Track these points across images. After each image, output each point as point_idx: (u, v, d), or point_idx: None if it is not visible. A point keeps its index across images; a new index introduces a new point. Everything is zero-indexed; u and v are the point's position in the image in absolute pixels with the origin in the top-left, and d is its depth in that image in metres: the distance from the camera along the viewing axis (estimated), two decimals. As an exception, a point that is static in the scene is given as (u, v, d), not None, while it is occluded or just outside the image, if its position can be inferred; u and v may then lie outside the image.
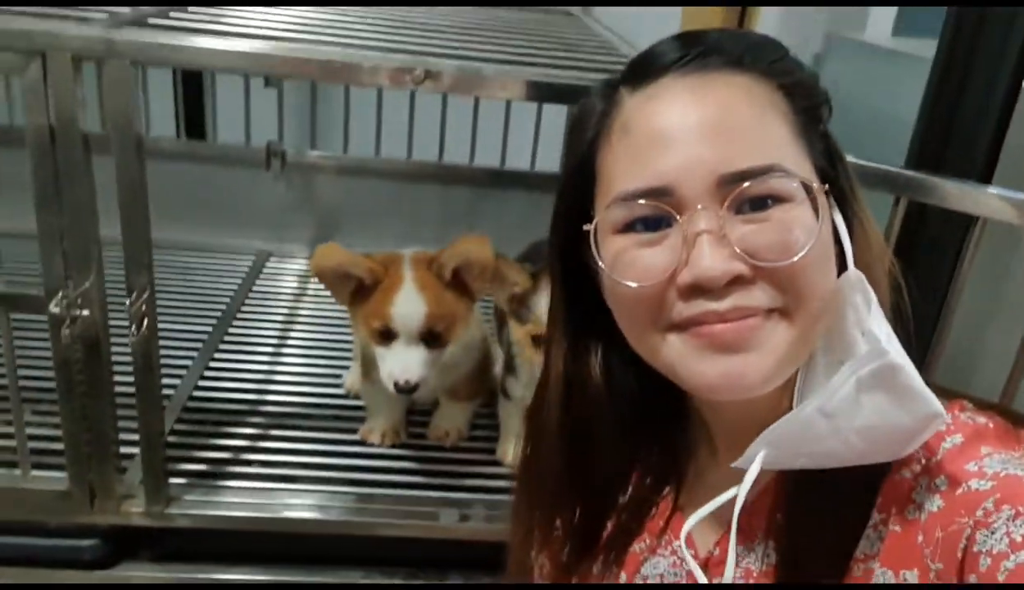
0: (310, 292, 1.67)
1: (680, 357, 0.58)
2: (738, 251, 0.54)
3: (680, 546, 0.64)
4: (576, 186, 0.63)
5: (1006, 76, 0.90)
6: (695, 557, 0.66)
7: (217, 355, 1.38)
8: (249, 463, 1.11)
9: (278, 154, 1.75)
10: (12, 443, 0.96)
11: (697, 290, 0.55)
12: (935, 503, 0.55)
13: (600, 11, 1.62)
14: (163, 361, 1.18)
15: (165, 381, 1.16)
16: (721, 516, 0.65)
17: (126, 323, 0.88)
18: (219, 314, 1.52)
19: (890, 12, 1.80)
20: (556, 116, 1.78)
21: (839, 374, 0.54)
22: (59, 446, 0.96)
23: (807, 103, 0.59)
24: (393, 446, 1.18)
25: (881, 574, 0.57)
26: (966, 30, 0.91)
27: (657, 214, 0.56)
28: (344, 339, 1.47)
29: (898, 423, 0.54)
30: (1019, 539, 0.48)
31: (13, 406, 0.92)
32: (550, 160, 1.81)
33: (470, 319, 1.08)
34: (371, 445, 1.17)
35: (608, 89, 0.62)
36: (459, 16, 1.36)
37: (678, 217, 0.56)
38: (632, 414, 0.70)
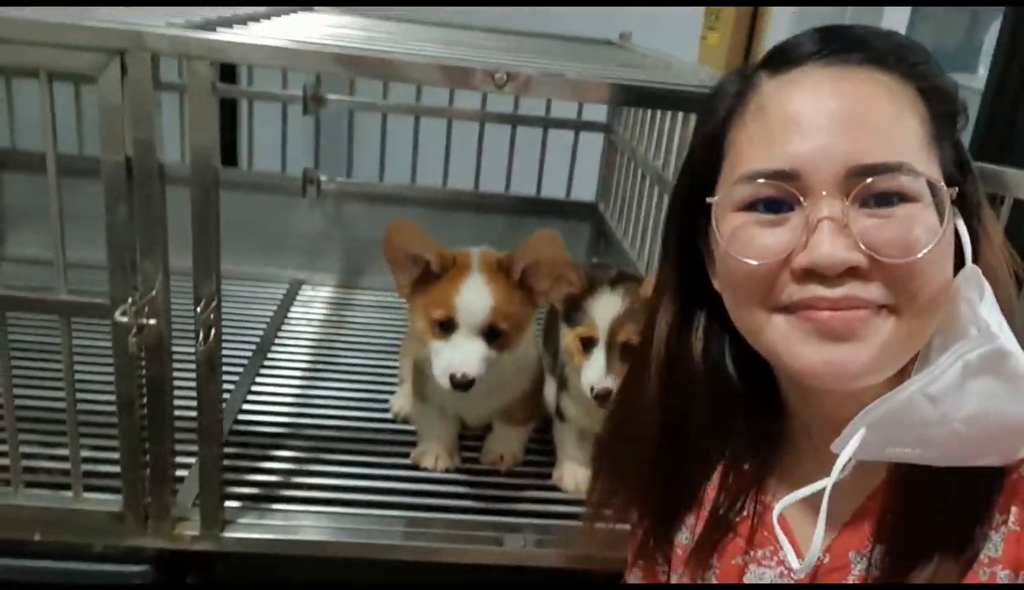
0: (347, 319, 1.65)
1: (784, 339, 0.58)
2: (859, 243, 0.54)
3: (777, 533, 0.61)
4: (702, 161, 0.64)
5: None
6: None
7: (258, 381, 1.35)
8: (300, 487, 1.07)
9: (314, 181, 1.74)
10: (61, 465, 0.94)
11: (812, 275, 0.55)
12: None
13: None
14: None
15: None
16: (831, 521, 0.62)
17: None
18: (256, 341, 1.49)
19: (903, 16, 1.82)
20: (590, 146, 1.79)
21: (945, 355, 0.53)
22: (110, 468, 0.93)
23: (944, 109, 0.59)
24: (447, 471, 1.14)
25: (1004, 577, 0.55)
26: None
27: (781, 196, 0.57)
28: (385, 364, 1.44)
29: (1008, 412, 0.53)
30: None
31: (69, 423, 0.89)
32: (585, 189, 1.81)
33: (530, 327, 1.05)
34: (424, 469, 1.14)
35: (746, 73, 0.63)
36: (505, 41, 1.37)
37: (803, 201, 0.56)
38: (727, 398, 0.69)
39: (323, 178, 1.75)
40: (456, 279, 0.97)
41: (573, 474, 1.13)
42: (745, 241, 0.58)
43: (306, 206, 1.76)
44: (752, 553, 0.68)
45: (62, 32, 0.75)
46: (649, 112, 1.47)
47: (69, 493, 0.93)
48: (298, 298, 1.73)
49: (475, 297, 0.96)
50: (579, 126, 1.75)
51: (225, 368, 1.33)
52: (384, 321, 1.64)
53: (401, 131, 1.75)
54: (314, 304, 1.71)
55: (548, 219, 1.78)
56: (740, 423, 0.70)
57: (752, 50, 2.45)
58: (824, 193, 0.55)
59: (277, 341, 1.51)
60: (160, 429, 0.89)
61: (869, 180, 0.54)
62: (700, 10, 2.45)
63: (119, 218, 0.79)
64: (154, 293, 0.83)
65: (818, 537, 0.57)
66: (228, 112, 1.82)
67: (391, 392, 1.33)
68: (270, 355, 1.45)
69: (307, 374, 1.40)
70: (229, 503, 0.99)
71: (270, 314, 1.61)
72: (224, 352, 1.37)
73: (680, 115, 1.24)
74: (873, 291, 0.55)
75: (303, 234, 1.79)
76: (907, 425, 0.54)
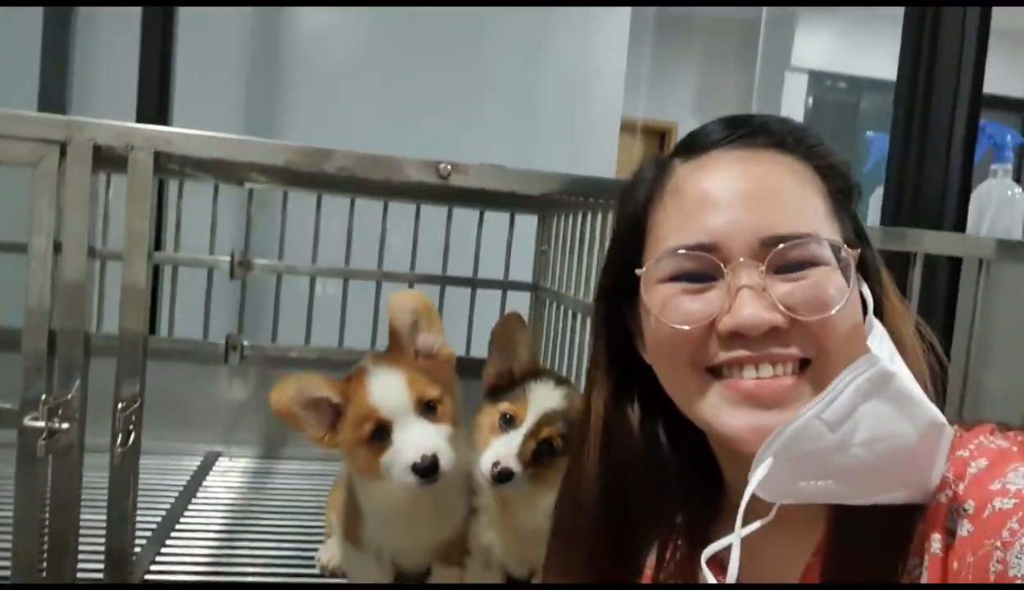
0: (267, 485, 1.54)
1: (715, 407, 0.61)
2: (777, 304, 0.59)
3: (704, 571, 0.61)
4: (626, 242, 0.69)
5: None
6: None
7: (168, 544, 1.22)
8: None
9: (237, 347, 1.69)
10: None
11: (737, 337, 0.60)
12: (964, 528, 0.55)
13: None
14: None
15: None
16: (779, 581, 0.65)
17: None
18: (167, 507, 1.36)
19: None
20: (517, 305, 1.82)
21: (833, 382, 0.56)
22: None
23: (840, 185, 0.66)
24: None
25: None
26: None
27: (702, 269, 0.62)
28: (309, 524, 1.33)
29: (902, 433, 0.56)
30: None
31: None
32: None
33: (456, 390, 1.01)
34: (357, 620, 1.03)
35: (659, 162, 0.69)
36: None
37: (724, 270, 0.60)
38: (663, 471, 0.70)
39: (246, 343, 1.70)
40: (361, 388, 0.93)
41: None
42: (673, 309, 0.62)
43: (227, 373, 1.70)
44: None
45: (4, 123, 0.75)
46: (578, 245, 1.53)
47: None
48: (215, 468, 1.61)
49: (388, 385, 0.93)
50: (506, 286, 1.79)
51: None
52: (307, 486, 1.54)
53: (328, 293, 1.76)
54: (231, 474, 1.60)
55: (477, 380, 1.76)
56: (676, 496, 0.72)
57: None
58: (742, 260, 0.59)
59: (189, 509, 1.39)
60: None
61: (781, 247, 0.59)
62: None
63: (39, 305, 0.75)
64: (70, 396, 0.76)
65: (732, 570, 0.57)
66: (151, 280, 1.79)
67: (315, 549, 1.22)
68: (181, 521, 1.32)
69: (223, 537, 1.28)
70: (132, 658, 0.86)
71: (182, 485, 1.49)
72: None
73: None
74: (792, 348, 0.60)
75: (223, 403, 1.70)
76: (811, 453, 0.56)
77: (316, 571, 1.16)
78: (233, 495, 1.47)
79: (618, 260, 0.70)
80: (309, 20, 2.59)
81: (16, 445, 0.76)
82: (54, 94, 2.30)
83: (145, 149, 0.76)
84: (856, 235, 0.66)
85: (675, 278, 0.63)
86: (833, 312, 0.59)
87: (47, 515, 0.79)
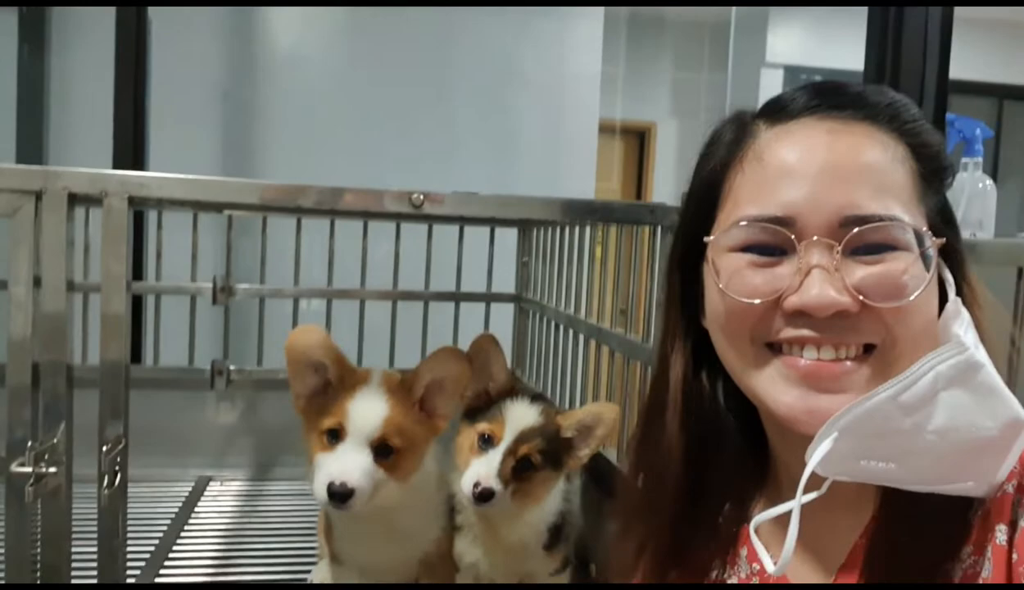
0: (259, 509, 1.55)
1: (770, 381, 0.60)
2: (848, 287, 0.57)
3: (755, 543, 0.60)
4: (700, 204, 0.66)
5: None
6: None
7: (162, 573, 1.23)
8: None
9: (223, 372, 1.71)
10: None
11: (802, 315, 0.58)
12: None
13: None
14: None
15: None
16: (825, 559, 0.63)
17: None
18: (159, 538, 1.37)
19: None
20: (501, 317, 1.84)
21: (915, 364, 0.54)
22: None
23: (932, 166, 0.62)
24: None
25: None
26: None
27: (775, 242, 0.59)
28: (302, 546, 1.34)
29: (980, 425, 0.53)
30: None
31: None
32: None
33: (426, 453, 0.99)
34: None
35: (741, 121, 0.66)
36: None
37: (796, 247, 0.58)
38: (722, 438, 0.70)
39: (232, 368, 1.71)
40: (352, 389, 0.93)
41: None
42: (740, 281, 0.60)
43: (214, 399, 1.71)
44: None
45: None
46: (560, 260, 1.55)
47: None
48: (206, 494, 1.62)
49: (368, 405, 0.92)
50: (489, 298, 1.81)
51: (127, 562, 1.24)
52: (299, 506, 1.55)
53: (312, 316, 1.77)
54: (223, 498, 1.61)
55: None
56: (729, 466, 0.70)
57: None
58: (816, 238, 0.57)
59: (183, 535, 1.40)
60: None
61: (859, 229, 0.57)
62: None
63: (21, 344, 0.76)
64: (56, 440, 0.78)
65: (790, 540, 0.55)
66: (134, 310, 1.80)
67: (308, 571, 1.23)
68: (175, 548, 1.33)
69: (217, 562, 1.29)
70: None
71: (174, 512, 1.50)
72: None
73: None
74: (858, 333, 0.58)
75: (212, 428, 1.72)
76: (879, 434, 0.54)
77: (309, 593, 1.18)
78: (225, 519, 1.48)
79: (690, 225, 0.67)
80: (284, 46, 2.60)
81: (4, 487, 0.77)
82: (32, 140, 2.32)
83: (119, 195, 0.77)
84: (943, 220, 0.62)
85: (746, 248, 0.60)
86: (907, 301, 0.57)
87: (38, 552, 0.80)
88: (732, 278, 0.61)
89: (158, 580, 1.20)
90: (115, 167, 1.88)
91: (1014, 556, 0.53)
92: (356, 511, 0.91)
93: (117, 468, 0.78)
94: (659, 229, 0.95)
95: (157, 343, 1.74)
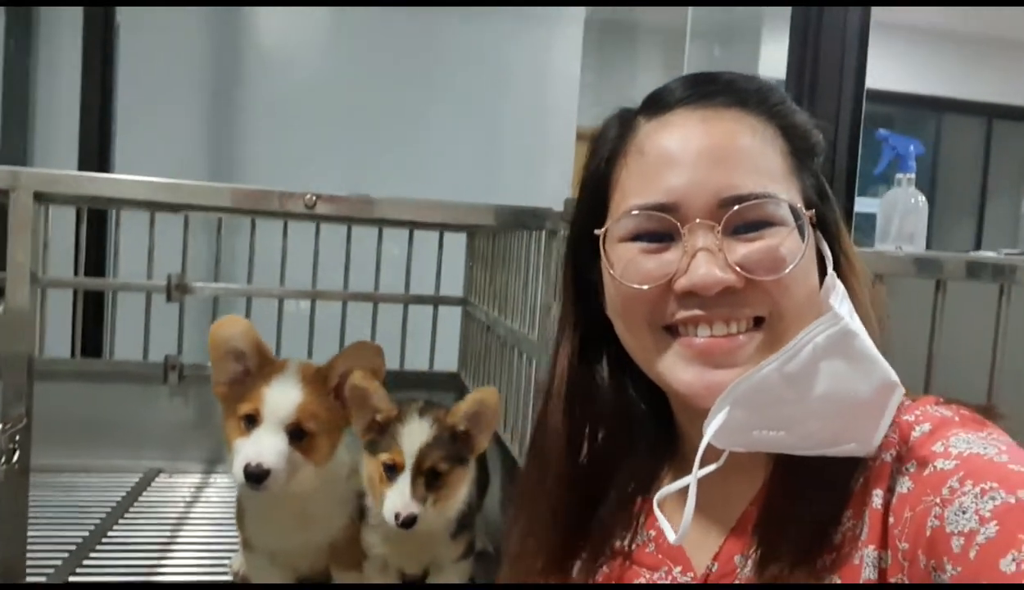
0: (202, 499, 1.59)
1: (671, 364, 0.64)
2: (732, 265, 0.61)
3: (657, 515, 0.63)
4: (591, 197, 0.70)
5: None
6: (693, 578, 0.67)
7: (92, 556, 1.27)
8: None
9: (176, 367, 1.75)
10: None
11: (692, 296, 0.62)
12: (905, 485, 0.57)
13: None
14: (29, 561, 1.08)
15: (28, 578, 1.06)
16: (713, 529, 0.67)
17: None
18: (97, 523, 1.42)
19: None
20: (449, 319, 1.89)
21: (797, 337, 0.58)
22: None
23: (803, 144, 0.67)
24: (282, 620, 1.09)
25: (871, 555, 0.58)
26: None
27: (661, 229, 0.63)
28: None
29: (856, 390, 0.57)
30: (987, 514, 0.50)
31: None
32: (448, 360, 1.88)
33: (340, 440, 1.04)
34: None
35: (624, 117, 0.70)
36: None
37: (681, 231, 0.62)
38: (629, 424, 0.74)
39: (185, 363, 1.76)
40: (269, 376, 0.98)
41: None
42: (631, 267, 0.64)
43: (167, 393, 1.76)
44: (648, 576, 0.70)
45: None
46: (497, 273, 1.59)
47: None
48: (152, 485, 1.66)
49: (283, 391, 0.97)
50: (437, 301, 1.86)
51: (58, 546, 1.29)
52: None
53: (265, 313, 1.82)
54: (168, 490, 1.65)
55: (413, 391, 1.82)
56: (639, 447, 0.74)
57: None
58: (698, 221, 0.61)
59: (119, 524, 1.44)
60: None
61: (737, 208, 0.61)
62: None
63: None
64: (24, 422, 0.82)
65: (688, 511, 0.59)
66: (95, 305, 1.85)
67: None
68: (108, 536, 1.38)
69: (149, 551, 1.33)
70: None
71: (117, 499, 1.55)
72: (59, 531, 1.34)
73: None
74: (746, 307, 0.62)
75: (162, 422, 1.76)
76: (767, 403, 0.58)
77: (230, 577, 1.22)
78: (167, 509, 1.52)
79: (583, 218, 0.70)
80: (267, 45, 2.64)
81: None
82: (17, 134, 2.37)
83: (25, 189, 0.82)
84: (817, 193, 0.67)
85: (635, 237, 0.64)
86: (786, 272, 0.60)
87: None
88: (625, 267, 0.65)
89: (85, 564, 1.24)
90: (81, 166, 1.94)
91: (890, 519, 0.57)
92: (273, 491, 0.95)
93: (15, 446, 0.82)
94: (543, 234, 0.99)
95: (113, 337, 1.79)
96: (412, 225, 1.76)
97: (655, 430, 0.75)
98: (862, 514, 0.60)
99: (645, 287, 0.63)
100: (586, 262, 0.71)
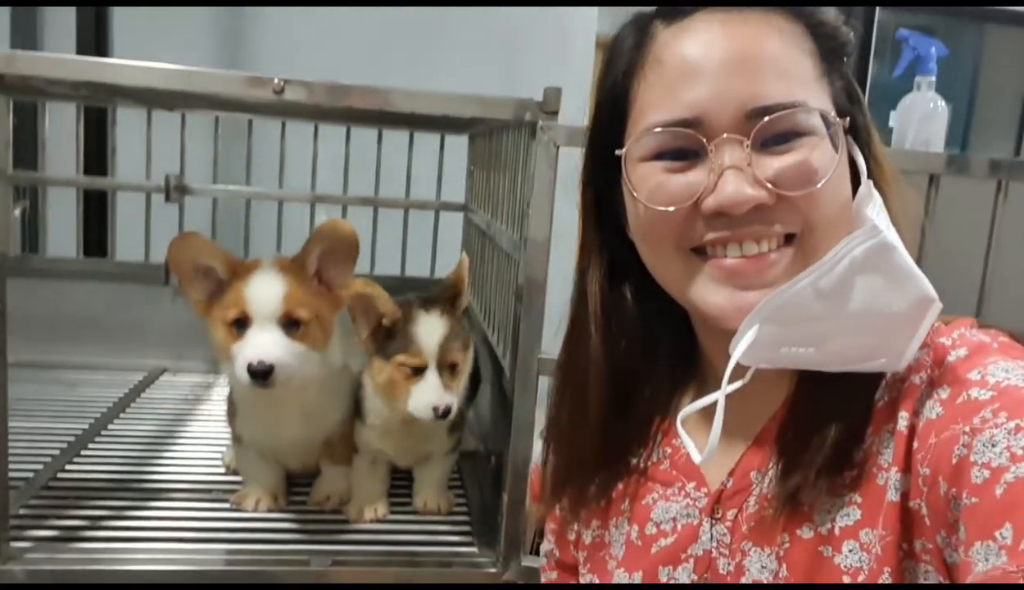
0: (204, 397, 1.62)
1: (700, 286, 0.61)
2: (762, 181, 0.57)
3: (680, 433, 0.62)
4: (608, 115, 0.66)
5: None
6: (707, 494, 0.67)
7: (91, 447, 1.31)
8: (112, 529, 1.03)
9: (177, 268, 1.76)
10: None
11: (720, 216, 0.59)
12: (935, 410, 0.55)
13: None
14: (27, 450, 1.21)
15: (26, 466, 1.17)
16: (731, 445, 0.65)
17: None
18: (97, 416, 1.45)
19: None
20: (451, 226, 1.87)
21: (833, 250, 0.55)
22: None
23: (832, 44, 0.62)
24: (269, 511, 1.11)
25: (896, 478, 0.56)
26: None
27: (686, 146, 0.59)
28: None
29: (891, 304, 0.55)
30: (1019, 451, 0.47)
31: None
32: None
33: (332, 325, 1.04)
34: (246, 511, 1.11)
35: (640, 24, 0.65)
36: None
37: (707, 147, 0.58)
38: (654, 345, 0.72)
39: (187, 265, 1.77)
40: (246, 277, 0.97)
41: (369, 508, 1.13)
42: (655, 189, 0.61)
43: (169, 294, 1.77)
44: (661, 491, 0.70)
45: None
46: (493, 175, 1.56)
47: None
48: (156, 383, 1.70)
49: (266, 286, 0.96)
50: (438, 207, 1.83)
51: (57, 437, 1.33)
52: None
53: (265, 214, 1.81)
54: (171, 388, 1.68)
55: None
56: (659, 367, 0.73)
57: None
58: (725, 136, 0.58)
59: (122, 417, 1.47)
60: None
61: (767, 120, 0.57)
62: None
63: None
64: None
65: (715, 432, 0.58)
66: (98, 204, 1.86)
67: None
68: (111, 427, 1.41)
69: (149, 441, 1.36)
70: (17, 544, 0.94)
71: (121, 395, 1.58)
72: (59, 426, 1.38)
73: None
74: (776, 224, 0.59)
75: (166, 322, 1.78)
76: (798, 320, 0.56)
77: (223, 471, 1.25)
78: (169, 406, 1.56)
79: (601, 138, 0.67)
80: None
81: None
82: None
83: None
84: (848, 97, 0.63)
85: (658, 156, 0.61)
86: (820, 185, 0.57)
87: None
88: (649, 188, 0.61)
89: (83, 453, 1.27)
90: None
91: (915, 443, 0.55)
92: (280, 384, 0.95)
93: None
94: (523, 128, 0.96)
95: (114, 238, 1.80)
96: (410, 126, 1.72)
97: (675, 350, 0.73)
98: (887, 435, 0.58)
99: (671, 209, 0.60)
100: (606, 184, 0.68)
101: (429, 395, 1.01)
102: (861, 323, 0.56)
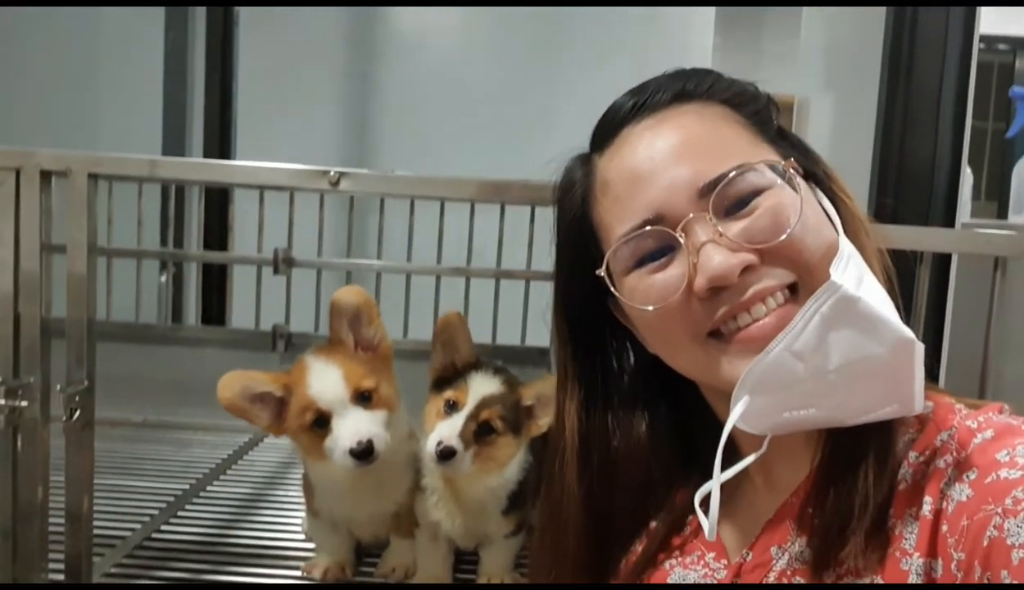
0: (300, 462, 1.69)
1: (726, 364, 0.62)
2: (739, 243, 0.59)
3: (697, 511, 0.63)
4: (576, 240, 0.70)
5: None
6: (727, 566, 0.67)
7: (187, 507, 1.39)
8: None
9: (284, 336, 1.87)
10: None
11: (717, 291, 0.60)
12: (964, 492, 0.55)
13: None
14: (132, 508, 1.30)
15: (128, 524, 1.25)
16: (753, 519, 0.66)
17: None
18: (200, 476, 1.54)
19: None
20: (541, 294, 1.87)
21: (799, 313, 0.57)
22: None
23: (754, 108, 0.66)
24: (337, 581, 1.14)
25: (918, 564, 0.56)
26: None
27: (658, 244, 0.62)
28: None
29: (873, 354, 0.55)
30: None
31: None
32: (538, 335, 1.87)
33: (394, 380, 1.07)
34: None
35: (581, 159, 0.71)
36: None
37: (678, 235, 0.61)
38: (670, 446, 0.74)
39: (292, 332, 1.87)
40: (302, 380, 1.01)
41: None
42: (647, 291, 0.63)
43: (276, 361, 1.87)
44: (680, 559, 0.70)
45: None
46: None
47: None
48: (259, 446, 1.79)
49: (325, 377, 1.00)
50: (528, 276, 1.85)
51: (161, 496, 1.42)
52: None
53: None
54: (272, 450, 1.76)
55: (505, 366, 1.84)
56: (670, 469, 0.74)
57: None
58: (691, 215, 0.60)
59: (222, 478, 1.56)
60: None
61: (720, 187, 0.60)
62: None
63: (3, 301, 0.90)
64: (32, 379, 0.92)
65: (713, 512, 0.59)
66: (220, 277, 2.01)
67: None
68: (210, 488, 1.49)
69: (242, 504, 1.43)
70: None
71: (224, 457, 1.67)
72: (166, 486, 1.47)
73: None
74: (771, 279, 0.60)
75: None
76: (786, 384, 0.57)
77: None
78: (267, 469, 1.63)
79: (573, 265, 0.71)
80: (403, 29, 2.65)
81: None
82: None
83: (80, 172, 0.90)
84: (792, 147, 0.66)
85: (639, 264, 0.64)
86: (795, 225, 0.59)
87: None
88: (641, 294, 0.64)
89: (180, 515, 1.35)
90: (206, 154, 2.09)
91: (943, 527, 0.55)
92: (380, 458, 1.00)
93: (75, 407, 0.91)
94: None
95: (229, 308, 1.93)
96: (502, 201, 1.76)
97: (680, 433, 0.74)
98: (910, 519, 0.57)
99: (665, 304, 0.61)
100: (583, 310, 0.71)
101: (441, 430, 1.01)
102: (850, 376, 0.56)
